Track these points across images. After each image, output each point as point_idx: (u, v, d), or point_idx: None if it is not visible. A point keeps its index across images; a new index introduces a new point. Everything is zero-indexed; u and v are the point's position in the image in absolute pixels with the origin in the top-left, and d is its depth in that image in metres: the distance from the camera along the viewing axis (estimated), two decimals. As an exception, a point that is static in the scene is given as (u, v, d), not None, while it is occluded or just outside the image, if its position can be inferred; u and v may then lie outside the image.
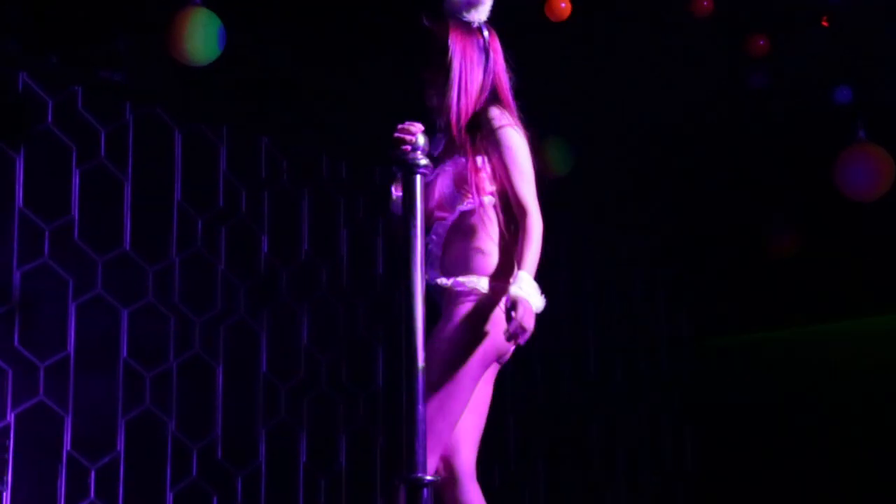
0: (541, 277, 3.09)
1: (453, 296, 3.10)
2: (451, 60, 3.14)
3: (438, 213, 3.20)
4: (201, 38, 4.59)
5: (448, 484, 3.16)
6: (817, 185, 5.90)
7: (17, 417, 4.55)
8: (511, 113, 3.18)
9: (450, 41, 3.16)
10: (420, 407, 2.86)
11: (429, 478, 2.83)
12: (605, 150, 6.38)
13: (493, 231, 3.14)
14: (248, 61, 4.87)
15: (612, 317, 6.85)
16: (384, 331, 5.66)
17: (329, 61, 5.39)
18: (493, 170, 3.14)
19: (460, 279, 3.10)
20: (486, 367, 3.13)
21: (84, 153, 4.86)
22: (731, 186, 6.71)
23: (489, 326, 3.08)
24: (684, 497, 7.00)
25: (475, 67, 3.16)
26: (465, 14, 3.18)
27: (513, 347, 3.13)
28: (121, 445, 4.80)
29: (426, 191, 3.08)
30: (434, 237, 3.18)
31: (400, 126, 2.96)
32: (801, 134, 6.11)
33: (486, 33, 3.20)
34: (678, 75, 5.80)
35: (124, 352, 4.88)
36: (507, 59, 3.23)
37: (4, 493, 4.48)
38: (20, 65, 4.68)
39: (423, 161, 2.93)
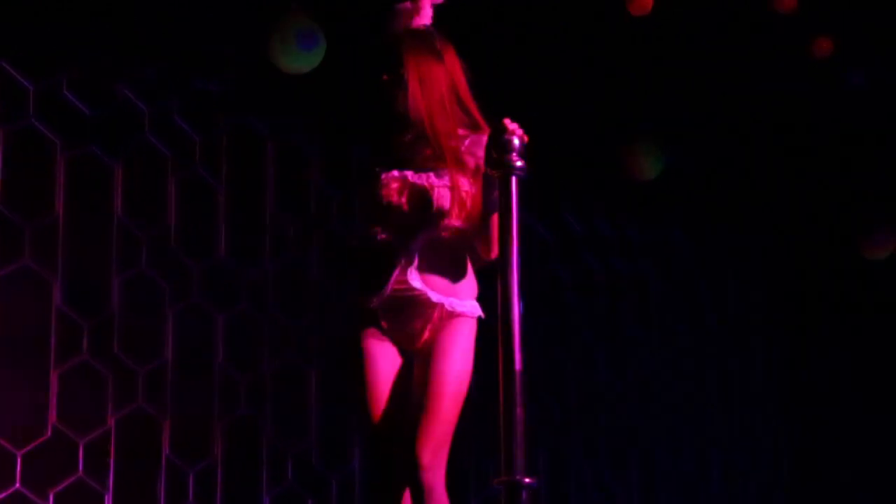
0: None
1: (445, 315, 3.18)
2: (406, 65, 3.20)
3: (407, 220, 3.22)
4: (291, 47, 4.63)
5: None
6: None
7: (117, 422, 4.63)
8: (471, 112, 3.24)
9: (402, 48, 3.21)
10: (518, 410, 2.86)
11: (528, 480, 2.82)
12: (698, 151, 6.33)
13: (468, 255, 3.25)
14: (341, 69, 4.90)
15: (706, 317, 6.78)
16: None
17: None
18: (473, 195, 3.21)
19: (463, 303, 3.21)
20: None
21: (180, 162, 4.94)
22: (825, 185, 6.63)
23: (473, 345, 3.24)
24: (784, 495, 6.91)
25: (431, 66, 3.21)
26: (411, 21, 3.25)
27: None
28: (218, 450, 4.86)
29: (395, 189, 3.19)
30: (414, 245, 3.20)
31: (513, 127, 2.96)
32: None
33: (436, 35, 3.27)
34: (773, 73, 5.74)
35: (220, 358, 4.94)
36: (463, 60, 3.29)
37: (107, 497, 4.56)
38: (117, 76, 4.77)
39: (520, 163, 2.93)
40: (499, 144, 2.95)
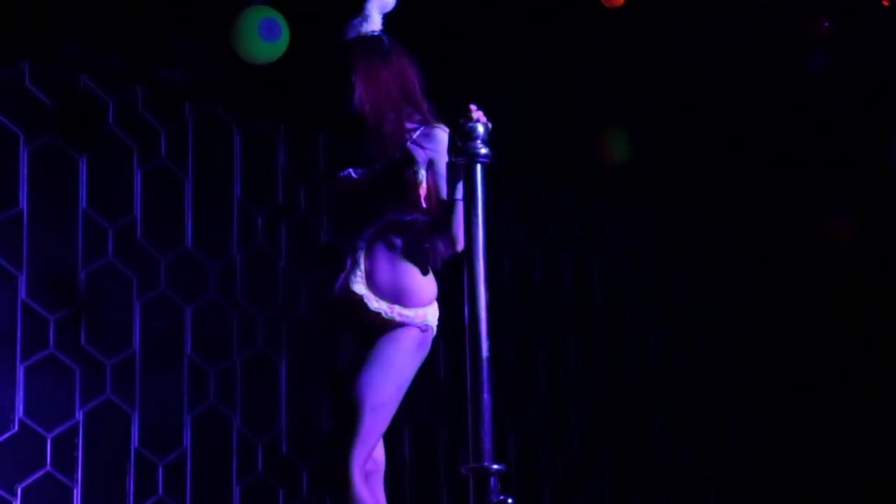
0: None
1: (385, 323, 3.20)
2: (355, 70, 3.30)
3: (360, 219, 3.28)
4: (253, 37, 4.61)
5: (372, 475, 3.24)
6: (880, 170, 5.85)
7: (85, 415, 4.61)
8: (422, 110, 3.32)
9: (351, 54, 3.33)
10: (485, 396, 2.87)
11: (496, 466, 2.83)
12: (662, 137, 6.34)
13: (422, 251, 3.24)
14: (305, 56, 4.88)
15: (675, 303, 6.81)
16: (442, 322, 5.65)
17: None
18: (428, 188, 3.23)
19: (406, 312, 3.21)
20: None
21: (145, 153, 4.91)
22: (790, 171, 6.66)
23: (425, 347, 3.26)
24: (751, 484, 6.95)
25: (378, 68, 3.31)
26: (360, 28, 3.37)
27: None
28: (187, 441, 4.85)
29: (343, 193, 3.27)
30: (359, 245, 3.25)
31: (478, 114, 2.97)
32: (863, 117, 6.05)
33: (385, 40, 3.37)
34: (737, 58, 5.76)
35: (188, 349, 4.92)
36: (414, 61, 3.39)
37: (75, 490, 4.54)
38: (81, 67, 4.74)
39: (485, 150, 2.93)
40: (463, 132, 2.95)
